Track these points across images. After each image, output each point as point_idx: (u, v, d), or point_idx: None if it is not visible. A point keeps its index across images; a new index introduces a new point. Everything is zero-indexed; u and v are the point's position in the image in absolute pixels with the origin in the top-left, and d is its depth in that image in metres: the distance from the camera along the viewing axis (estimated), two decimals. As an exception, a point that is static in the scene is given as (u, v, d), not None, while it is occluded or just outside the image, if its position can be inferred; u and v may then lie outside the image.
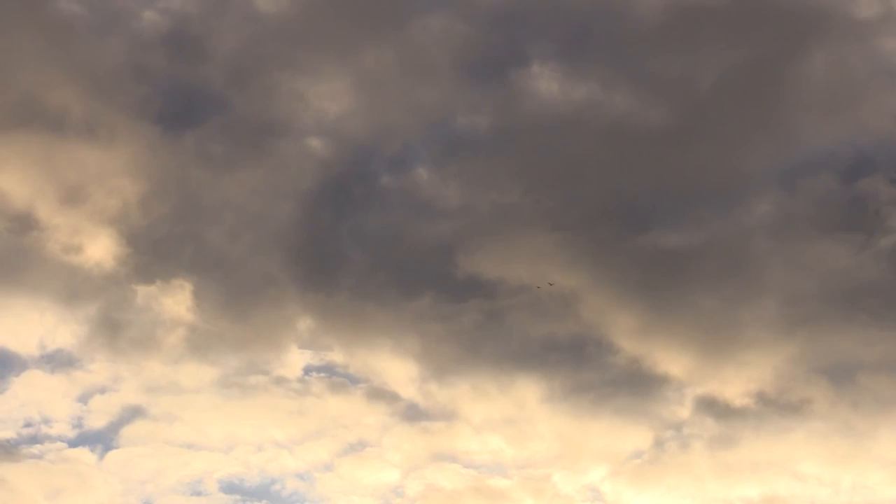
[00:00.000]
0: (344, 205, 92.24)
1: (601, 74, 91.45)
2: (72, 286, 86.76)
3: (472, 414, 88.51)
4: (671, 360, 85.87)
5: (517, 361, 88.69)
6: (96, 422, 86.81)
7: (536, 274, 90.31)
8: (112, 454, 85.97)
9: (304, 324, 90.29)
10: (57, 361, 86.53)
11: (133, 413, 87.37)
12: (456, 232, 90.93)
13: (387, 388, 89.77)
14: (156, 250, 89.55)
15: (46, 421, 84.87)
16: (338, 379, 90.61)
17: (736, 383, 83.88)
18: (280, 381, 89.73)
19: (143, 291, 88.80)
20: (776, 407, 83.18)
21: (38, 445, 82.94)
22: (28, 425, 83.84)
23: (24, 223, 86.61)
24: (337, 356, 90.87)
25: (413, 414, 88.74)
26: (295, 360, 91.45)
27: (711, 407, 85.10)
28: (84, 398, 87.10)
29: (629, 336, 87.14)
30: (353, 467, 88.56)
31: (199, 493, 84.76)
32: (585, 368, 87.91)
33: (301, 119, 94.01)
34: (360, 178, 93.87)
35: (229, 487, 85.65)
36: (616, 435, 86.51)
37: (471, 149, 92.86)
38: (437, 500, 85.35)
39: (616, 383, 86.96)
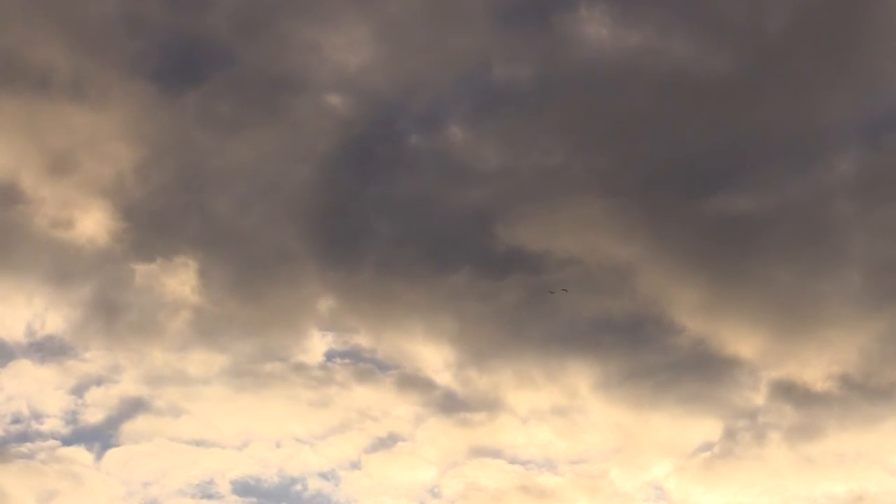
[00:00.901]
0: (368, 169, 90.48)
1: (657, 18, 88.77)
2: (62, 266, 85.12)
3: (517, 403, 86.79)
4: (742, 340, 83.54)
5: (566, 344, 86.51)
6: (93, 417, 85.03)
7: (586, 245, 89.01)
8: (111, 453, 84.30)
9: (325, 304, 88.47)
10: (47, 350, 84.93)
11: (134, 407, 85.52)
12: (495, 198, 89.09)
13: (420, 375, 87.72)
14: (156, 224, 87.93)
15: (37, 416, 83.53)
16: (364, 365, 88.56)
17: (816, 365, 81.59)
18: (299, 368, 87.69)
19: (142, 270, 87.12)
20: (863, 392, 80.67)
21: (29, 444, 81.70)
22: (17, 421, 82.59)
23: (7, 195, 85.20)
24: (363, 340, 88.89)
25: (450, 404, 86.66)
26: (315, 344, 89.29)
27: (789, 392, 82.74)
28: (79, 391, 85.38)
29: (693, 313, 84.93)
30: (382, 465, 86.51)
31: (209, 496, 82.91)
32: (644, 351, 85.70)
33: (317, 73, 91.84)
34: (386, 138, 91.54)
35: (244, 489, 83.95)
36: (681, 426, 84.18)
37: (510, 104, 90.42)
38: (478, 501, 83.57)
39: (679, 367, 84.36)
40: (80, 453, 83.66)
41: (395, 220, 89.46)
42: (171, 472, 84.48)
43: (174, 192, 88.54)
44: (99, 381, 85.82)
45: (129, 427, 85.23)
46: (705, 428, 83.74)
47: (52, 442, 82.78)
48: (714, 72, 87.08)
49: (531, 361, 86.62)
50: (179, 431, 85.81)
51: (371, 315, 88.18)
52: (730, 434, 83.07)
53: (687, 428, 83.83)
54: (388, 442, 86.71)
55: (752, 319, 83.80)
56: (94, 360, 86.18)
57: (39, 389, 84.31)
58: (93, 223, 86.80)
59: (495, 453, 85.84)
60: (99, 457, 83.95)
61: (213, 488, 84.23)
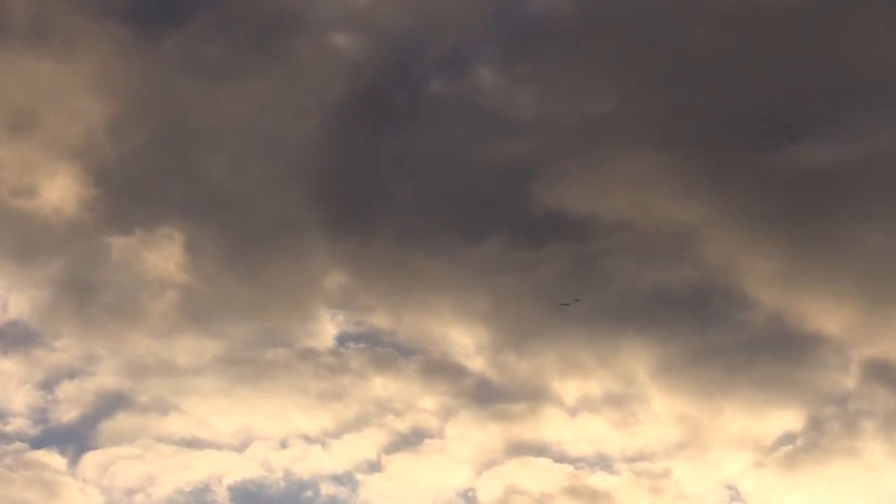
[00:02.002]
0: (382, 121, 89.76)
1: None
2: (25, 240, 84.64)
3: (564, 392, 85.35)
4: (827, 314, 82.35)
5: (620, 321, 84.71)
6: (66, 415, 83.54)
7: (640, 206, 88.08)
8: (88, 457, 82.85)
9: (336, 280, 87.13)
10: (11, 338, 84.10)
11: (113, 402, 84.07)
12: (531, 153, 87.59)
13: (448, 360, 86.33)
14: (134, 190, 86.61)
15: (1, 416, 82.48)
16: (382, 350, 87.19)
17: (917, 342, 76.91)
18: (306, 355, 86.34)
19: (119, 244, 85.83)
20: (972, 373, 76.48)
21: (-9, 448, 77.58)
22: (-24, 422, 78.19)
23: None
24: (380, 320, 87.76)
25: (484, 394, 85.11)
26: (325, 327, 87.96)
27: (884, 374, 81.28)
28: (48, 385, 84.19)
29: (768, 284, 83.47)
30: (406, 466, 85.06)
31: None
32: (712, 328, 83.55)
33: (322, 9, 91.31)
34: (403, 84, 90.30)
35: (244, 496, 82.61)
36: (757, 415, 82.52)
37: (549, 42, 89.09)
38: None
39: (754, 347, 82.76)
40: (51, 457, 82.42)
41: (415, 180, 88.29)
42: (159, 477, 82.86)
43: (154, 152, 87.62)
44: (72, 374, 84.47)
45: (108, 426, 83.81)
46: (786, 417, 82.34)
47: (18, 445, 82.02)
48: (789, 0, 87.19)
49: (578, 343, 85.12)
50: (167, 430, 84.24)
51: (389, 291, 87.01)
52: (815, 424, 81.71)
53: (764, 418, 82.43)
54: (412, 439, 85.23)
55: (839, 289, 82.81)
56: (65, 349, 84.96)
57: (3, 384, 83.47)
58: (60, 190, 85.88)
59: (539, 450, 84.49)
60: (74, 461, 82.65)
61: (207, 496, 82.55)
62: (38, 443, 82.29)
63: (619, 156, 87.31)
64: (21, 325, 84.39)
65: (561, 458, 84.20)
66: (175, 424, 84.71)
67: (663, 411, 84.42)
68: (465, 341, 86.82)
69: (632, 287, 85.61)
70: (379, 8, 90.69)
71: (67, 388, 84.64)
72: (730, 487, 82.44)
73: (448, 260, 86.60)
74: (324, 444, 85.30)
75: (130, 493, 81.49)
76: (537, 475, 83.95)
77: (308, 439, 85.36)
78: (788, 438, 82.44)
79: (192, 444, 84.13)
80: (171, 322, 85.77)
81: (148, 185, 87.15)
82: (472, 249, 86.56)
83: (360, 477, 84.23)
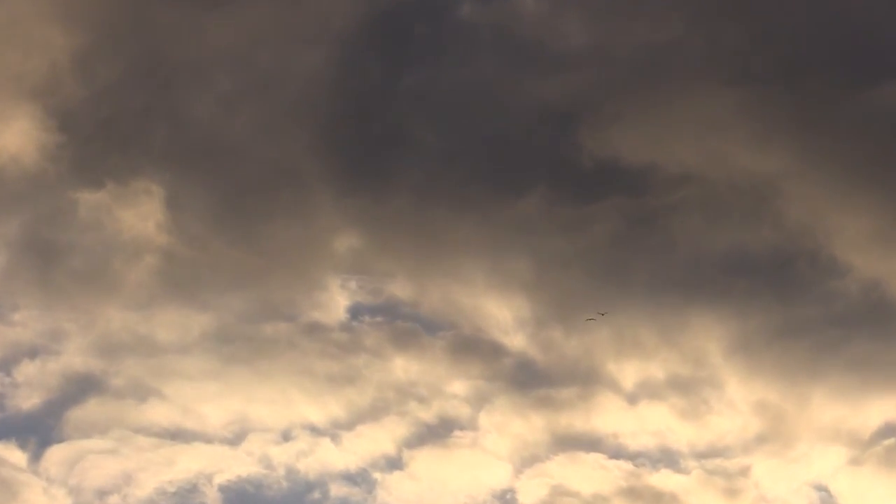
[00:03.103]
0: (402, 54, 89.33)
1: None
2: None
3: (621, 375, 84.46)
4: None
5: (686, 291, 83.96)
6: (26, 402, 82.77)
7: (710, 155, 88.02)
8: (52, 451, 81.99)
9: (347, 242, 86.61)
10: None
11: (83, 387, 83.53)
12: (580, 92, 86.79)
13: (483, 336, 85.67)
14: (105, 136, 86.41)
15: None
16: (404, 325, 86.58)
17: None
18: (313, 330, 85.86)
19: (87, 200, 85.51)
20: None
21: (-61, 440, 77.98)
22: (-79, 410, 79.05)
23: None
24: (400, 289, 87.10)
25: (526, 377, 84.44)
26: (334, 297, 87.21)
27: None
28: (5, 366, 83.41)
29: (863, 247, 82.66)
30: (433, 462, 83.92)
31: None
32: (797, 300, 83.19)
33: None
34: (426, 9, 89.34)
35: (239, 498, 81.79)
36: (853, 403, 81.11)
37: None
38: None
39: (847, 321, 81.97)
40: (9, 452, 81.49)
41: (441, 124, 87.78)
42: (137, 475, 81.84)
43: (130, 91, 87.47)
44: (33, 353, 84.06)
45: (76, 415, 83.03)
46: (887, 406, 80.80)
47: (-30, 437, 78.87)
48: None
49: (638, 317, 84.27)
50: (147, 420, 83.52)
51: (411, 255, 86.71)
52: (923, 413, 77.95)
53: (861, 406, 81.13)
54: (439, 431, 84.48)
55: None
56: (25, 323, 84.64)
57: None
58: (17, 137, 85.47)
59: (591, 445, 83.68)
60: (36, 456, 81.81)
61: (195, 497, 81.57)
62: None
63: (684, 94, 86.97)
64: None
65: (617, 454, 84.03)
66: (156, 413, 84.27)
67: (740, 398, 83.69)
68: (501, 314, 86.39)
69: (700, 251, 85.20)
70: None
71: (28, 370, 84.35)
72: (820, 489, 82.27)
73: (481, 218, 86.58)
74: (334, 437, 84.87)
75: (103, 494, 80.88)
76: (589, 474, 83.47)
77: (315, 431, 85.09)
78: (890, 430, 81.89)
79: (177, 436, 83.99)
80: (150, 292, 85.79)
81: (122, 131, 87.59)
82: (509, 206, 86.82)
83: (376, 475, 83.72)
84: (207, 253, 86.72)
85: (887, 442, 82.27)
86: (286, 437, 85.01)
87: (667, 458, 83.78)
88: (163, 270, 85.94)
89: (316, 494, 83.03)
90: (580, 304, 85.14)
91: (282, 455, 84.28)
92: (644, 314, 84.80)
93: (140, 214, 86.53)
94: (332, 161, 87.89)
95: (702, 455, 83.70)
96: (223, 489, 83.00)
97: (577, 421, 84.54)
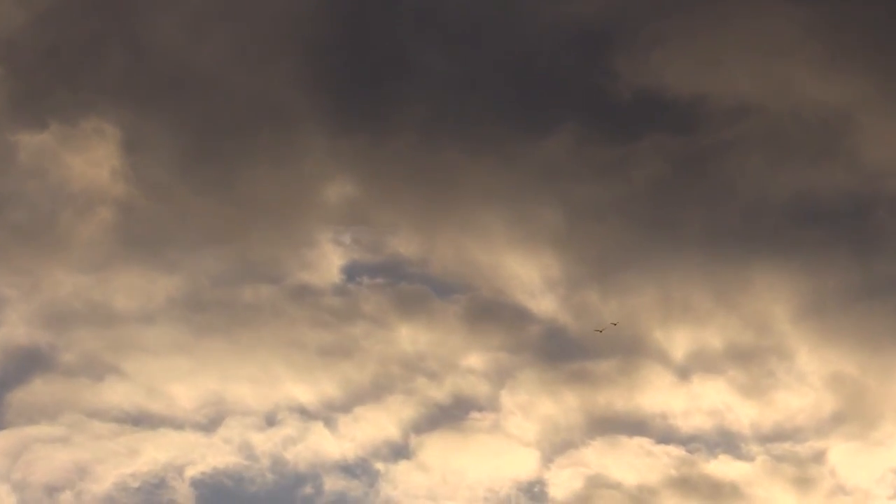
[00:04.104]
0: None
1: None
2: None
3: (670, 344, 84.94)
4: None
5: (746, 245, 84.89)
6: None
7: (771, 83, 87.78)
8: None
9: (341, 189, 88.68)
10: None
11: (28, 363, 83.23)
12: (615, 10, 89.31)
13: (504, 300, 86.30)
14: (49, 68, 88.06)
15: None
16: (410, 287, 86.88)
17: None
18: (301, 294, 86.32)
19: (29, 144, 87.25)
20: None
21: None
22: None
23: None
24: (405, 245, 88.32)
25: (556, 348, 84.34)
26: (327, 254, 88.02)
27: None
28: None
29: None
30: (446, 450, 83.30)
31: None
32: (876, 253, 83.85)
33: None
34: None
35: (215, 493, 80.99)
36: None
37: None
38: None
39: None
40: None
41: (451, 48, 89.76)
42: (94, 468, 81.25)
43: (78, 14, 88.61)
44: None
45: (19, 398, 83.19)
46: None
47: None
48: None
49: (690, 275, 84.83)
50: (104, 402, 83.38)
51: (417, 205, 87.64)
52: None
53: None
54: (453, 413, 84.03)
55: None
56: None
57: None
58: None
59: (635, 427, 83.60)
60: None
61: (163, 493, 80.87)
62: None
63: (740, 12, 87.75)
64: None
65: (667, 438, 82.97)
66: (115, 394, 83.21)
67: (812, 371, 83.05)
68: (526, 274, 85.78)
69: (762, 197, 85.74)
70: None
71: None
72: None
73: (499, 160, 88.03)
74: (328, 421, 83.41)
75: (52, 490, 79.65)
76: (632, 462, 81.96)
77: (305, 414, 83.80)
78: None
79: (140, 421, 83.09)
80: (105, 251, 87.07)
81: (70, 61, 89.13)
82: (532, 146, 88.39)
83: (379, 466, 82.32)
84: (173, 204, 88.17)
85: None
86: (271, 421, 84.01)
87: (725, 443, 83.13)
88: (120, 225, 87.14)
89: (307, 489, 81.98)
90: (621, 261, 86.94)
91: (266, 443, 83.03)
92: (696, 272, 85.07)
93: (92, 160, 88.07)
94: (321, 94, 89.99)
95: (767, 438, 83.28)
96: (196, 483, 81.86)
97: (617, 399, 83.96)
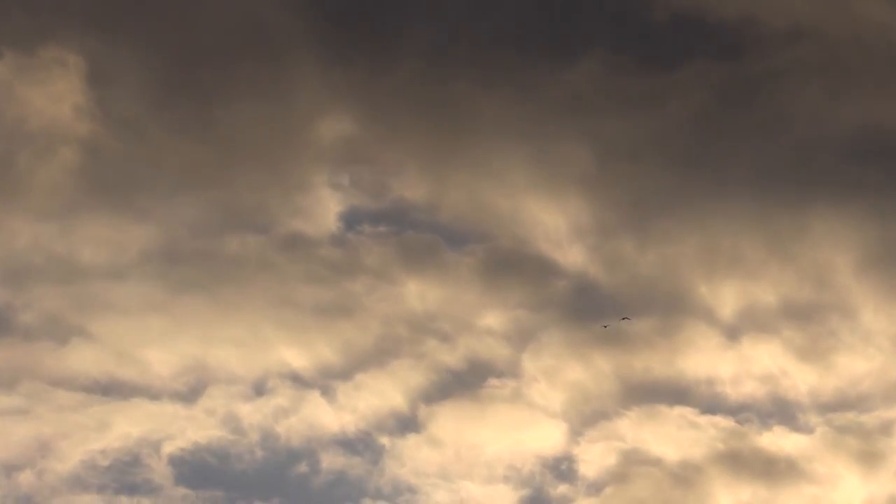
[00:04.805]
0: None
1: None
2: None
3: (716, 300, 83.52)
4: None
5: (802, 186, 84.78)
6: None
7: (826, 4, 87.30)
8: None
9: (337, 126, 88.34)
10: None
11: None
12: None
13: (526, 251, 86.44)
14: None
15: None
16: (418, 236, 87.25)
17: None
18: (294, 244, 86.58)
19: None
20: None
21: None
22: None
23: None
24: (411, 188, 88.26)
25: (586, 305, 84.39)
26: (322, 200, 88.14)
27: None
28: None
29: None
30: (461, 422, 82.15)
31: (130, 488, 78.74)
32: None
33: None
34: None
35: (195, 471, 79.84)
36: None
37: None
38: (647, 483, 78.88)
39: None
40: None
41: None
42: (56, 444, 79.66)
43: None
44: None
45: None
46: None
47: None
48: None
49: (737, 221, 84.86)
50: (70, 370, 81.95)
51: (424, 143, 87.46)
52: None
53: None
54: (468, 380, 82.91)
55: None
56: None
57: None
58: None
59: (677, 395, 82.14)
60: None
61: (137, 472, 79.22)
62: None
63: None
64: None
65: (713, 408, 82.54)
66: (81, 360, 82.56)
67: (878, 330, 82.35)
68: (551, 221, 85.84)
69: (820, 132, 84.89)
70: None
71: None
72: None
73: (518, 92, 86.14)
74: (325, 390, 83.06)
75: (11, 469, 78.78)
76: (674, 434, 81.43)
77: (299, 382, 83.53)
78: None
79: (110, 390, 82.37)
80: (69, 197, 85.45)
81: None
82: (556, 76, 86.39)
83: (384, 441, 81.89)
84: (146, 144, 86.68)
85: None
86: (259, 390, 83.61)
87: (780, 413, 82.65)
88: (85, 168, 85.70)
89: (301, 467, 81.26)
90: (657, 205, 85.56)
91: (254, 415, 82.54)
92: (745, 217, 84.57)
93: (52, 93, 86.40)
94: (314, 17, 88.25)
95: (828, 407, 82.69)
96: (175, 461, 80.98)
97: (656, 363, 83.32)
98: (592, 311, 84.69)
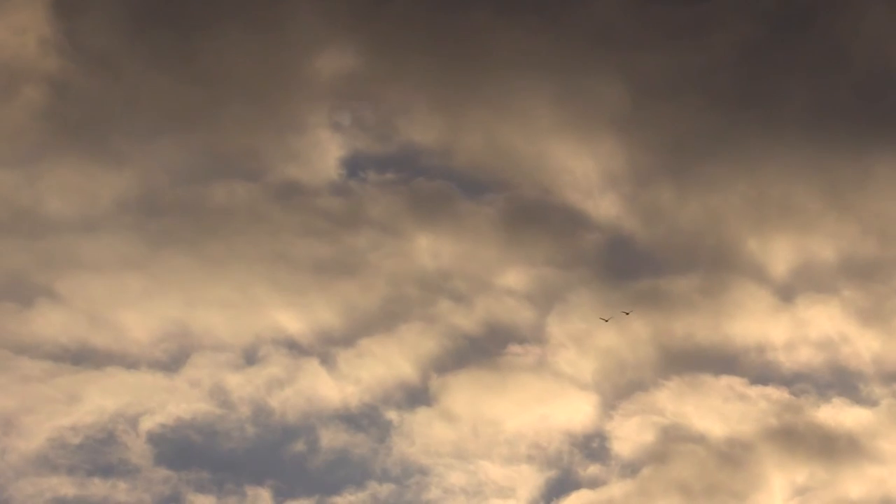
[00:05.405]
0: None
1: None
2: None
3: (767, 256, 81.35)
4: None
5: (861, 125, 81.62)
6: None
7: None
8: None
9: (337, 60, 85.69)
10: None
11: None
12: None
13: (552, 202, 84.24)
14: None
15: None
16: (430, 184, 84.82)
17: None
18: (289, 194, 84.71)
19: None
20: None
21: None
22: None
23: None
24: (421, 130, 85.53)
25: (620, 260, 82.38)
26: (322, 143, 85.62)
27: None
28: None
29: None
30: (478, 394, 79.55)
31: (105, 470, 76.15)
32: None
33: None
34: None
35: (177, 450, 78.06)
36: None
37: None
38: (690, 464, 75.94)
39: None
40: None
41: None
42: (22, 420, 77.63)
43: None
44: None
45: None
46: None
47: None
48: None
49: (791, 167, 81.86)
50: (35, 335, 79.86)
51: (435, 78, 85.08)
52: None
53: None
54: (486, 346, 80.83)
55: None
56: None
57: None
58: None
59: (723, 364, 79.85)
60: None
61: (112, 451, 76.59)
62: None
63: None
64: None
65: (764, 378, 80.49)
66: (48, 324, 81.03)
67: None
68: (581, 167, 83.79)
69: (883, 65, 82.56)
70: None
71: None
72: None
73: (542, 22, 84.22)
74: (324, 358, 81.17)
75: None
76: (719, 408, 79.76)
77: (295, 349, 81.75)
78: None
79: (81, 358, 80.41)
80: (35, 141, 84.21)
81: None
82: (584, 3, 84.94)
83: (391, 415, 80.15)
84: (120, 81, 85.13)
85: None
86: (250, 358, 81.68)
87: (840, 383, 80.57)
88: (53, 108, 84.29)
89: (298, 445, 79.60)
90: (699, 149, 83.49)
91: (244, 386, 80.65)
92: (799, 163, 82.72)
93: (16, 25, 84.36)
94: None
95: (894, 377, 79.65)
96: (154, 438, 79.34)
97: (700, 328, 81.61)
98: (627, 268, 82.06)
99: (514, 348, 79.98)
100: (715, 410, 78.24)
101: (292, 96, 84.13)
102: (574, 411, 78.67)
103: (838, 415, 78.13)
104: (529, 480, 78.45)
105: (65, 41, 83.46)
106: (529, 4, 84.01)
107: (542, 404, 79.12)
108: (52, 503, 79.00)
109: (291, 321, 79.86)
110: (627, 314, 79.84)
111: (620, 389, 79.47)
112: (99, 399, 77.80)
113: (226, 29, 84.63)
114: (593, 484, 78.20)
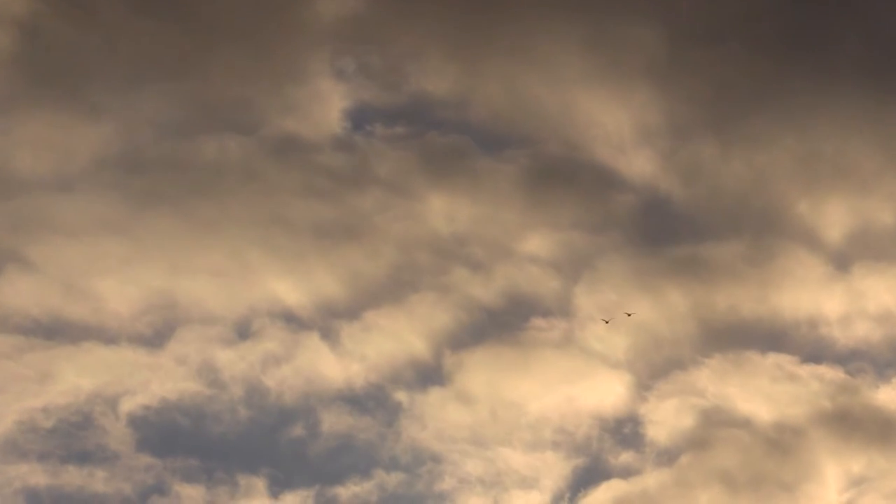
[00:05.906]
0: None
1: None
2: None
3: (819, 221, 79.72)
4: None
5: None
6: None
7: None
8: None
9: (341, 2, 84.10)
10: None
11: None
12: None
13: (580, 159, 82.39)
14: None
15: None
16: (443, 140, 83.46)
17: None
18: (287, 149, 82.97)
19: None
20: None
21: None
22: None
23: None
24: (434, 79, 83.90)
25: (656, 224, 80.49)
26: (324, 93, 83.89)
27: None
28: None
29: None
30: (497, 374, 77.33)
31: (82, 457, 73.85)
32: None
33: None
34: None
35: (162, 434, 76.31)
36: None
37: None
38: (733, 451, 73.43)
39: None
40: None
41: None
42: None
43: None
44: None
45: None
46: None
47: None
48: None
49: (844, 121, 79.99)
50: (5, 306, 78.29)
51: (449, 21, 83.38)
52: None
53: None
54: (506, 319, 79.51)
55: None
56: None
57: None
58: None
59: (770, 340, 78.43)
60: None
61: (88, 436, 74.79)
62: None
63: None
64: None
65: (816, 355, 79.55)
66: (18, 294, 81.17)
67: None
68: (612, 121, 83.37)
69: None
70: None
71: None
72: None
73: None
74: (326, 332, 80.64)
75: None
76: (767, 388, 79.36)
77: (293, 322, 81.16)
78: None
79: (56, 332, 79.59)
80: (3, 91, 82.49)
81: None
82: None
83: (400, 397, 79.04)
84: (99, 25, 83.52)
85: None
86: (243, 332, 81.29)
87: None
88: (24, 55, 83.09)
89: (296, 429, 79.01)
90: (744, 101, 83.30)
91: (236, 364, 79.99)
92: (854, 117, 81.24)
93: None
94: None
95: None
96: (135, 420, 78.56)
97: (744, 300, 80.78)
98: (663, 233, 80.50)
99: (538, 322, 78.01)
100: (761, 392, 75.88)
101: (290, 41, 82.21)
102: (604, 392, 75.99)
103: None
104: (554, 469, 75.25)
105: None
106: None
107: (569, 384, 76.16)
108: (21, 493, 74.90)
109: (289, 291, 77.66)
110: (629, 316, 77.72)
111: (656, 368, 77.09)
112: (74, 378, 75.32)
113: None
114: (626, 473, 75.33)
